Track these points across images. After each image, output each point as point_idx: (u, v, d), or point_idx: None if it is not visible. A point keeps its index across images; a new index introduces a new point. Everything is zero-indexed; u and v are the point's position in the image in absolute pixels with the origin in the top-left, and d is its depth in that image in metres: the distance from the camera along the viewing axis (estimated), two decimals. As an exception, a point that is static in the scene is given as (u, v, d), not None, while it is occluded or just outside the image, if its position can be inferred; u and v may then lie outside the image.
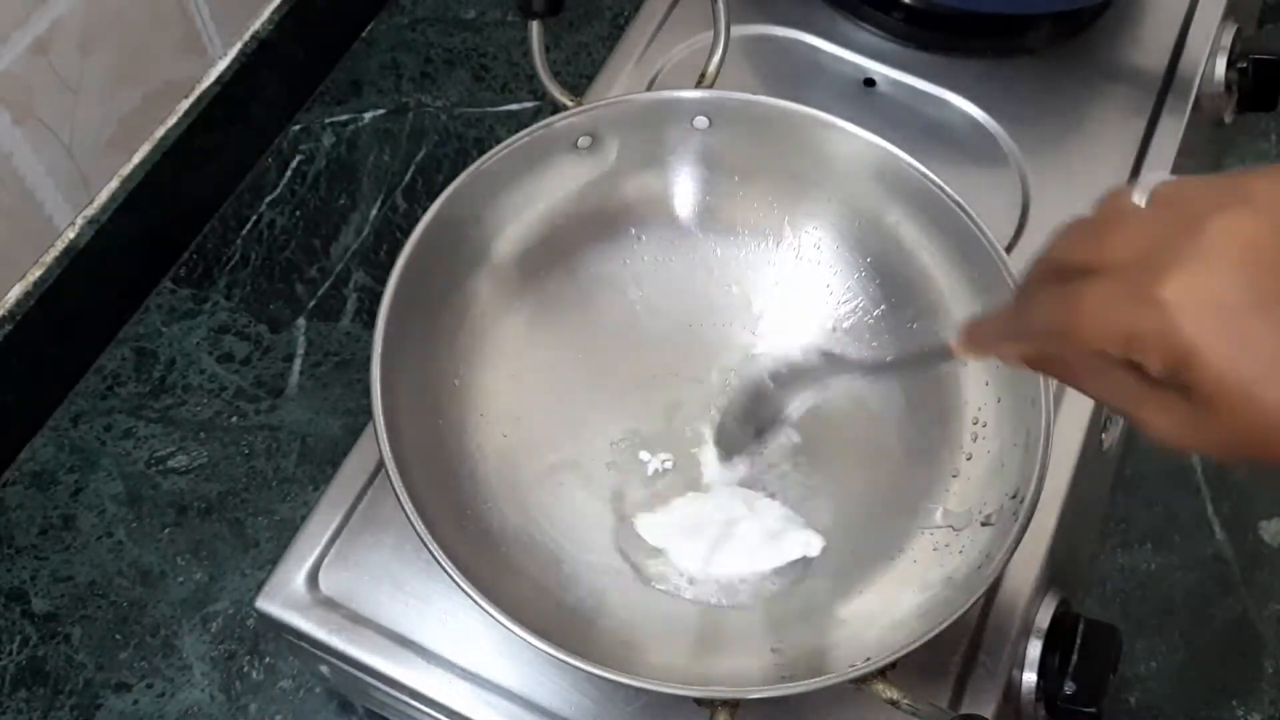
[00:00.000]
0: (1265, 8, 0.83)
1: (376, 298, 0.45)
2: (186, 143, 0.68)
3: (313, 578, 0.50)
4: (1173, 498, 0.67)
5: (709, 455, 0.51)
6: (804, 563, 0.48)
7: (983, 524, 0.45)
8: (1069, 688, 0.48)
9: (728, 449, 0.51)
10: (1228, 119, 0.68)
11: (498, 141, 0.49)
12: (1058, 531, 0.52)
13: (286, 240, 0.72)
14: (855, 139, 0.50)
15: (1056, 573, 0.53)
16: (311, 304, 0.70)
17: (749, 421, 0.49)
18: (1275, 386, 0.29)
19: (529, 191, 0.51)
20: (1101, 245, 0.32)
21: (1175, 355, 0.30)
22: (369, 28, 0.80)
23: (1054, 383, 0.48)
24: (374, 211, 0.73)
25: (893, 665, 0.40)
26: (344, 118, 0.76)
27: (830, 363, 0.47)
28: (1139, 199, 0.33)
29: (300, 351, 0.68)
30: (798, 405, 0.47)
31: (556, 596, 0.46)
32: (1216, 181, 0.32)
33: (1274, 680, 0.63)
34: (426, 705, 0.49)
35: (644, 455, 0.51)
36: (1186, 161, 0.64)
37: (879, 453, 0.51)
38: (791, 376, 0.48)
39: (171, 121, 0.68)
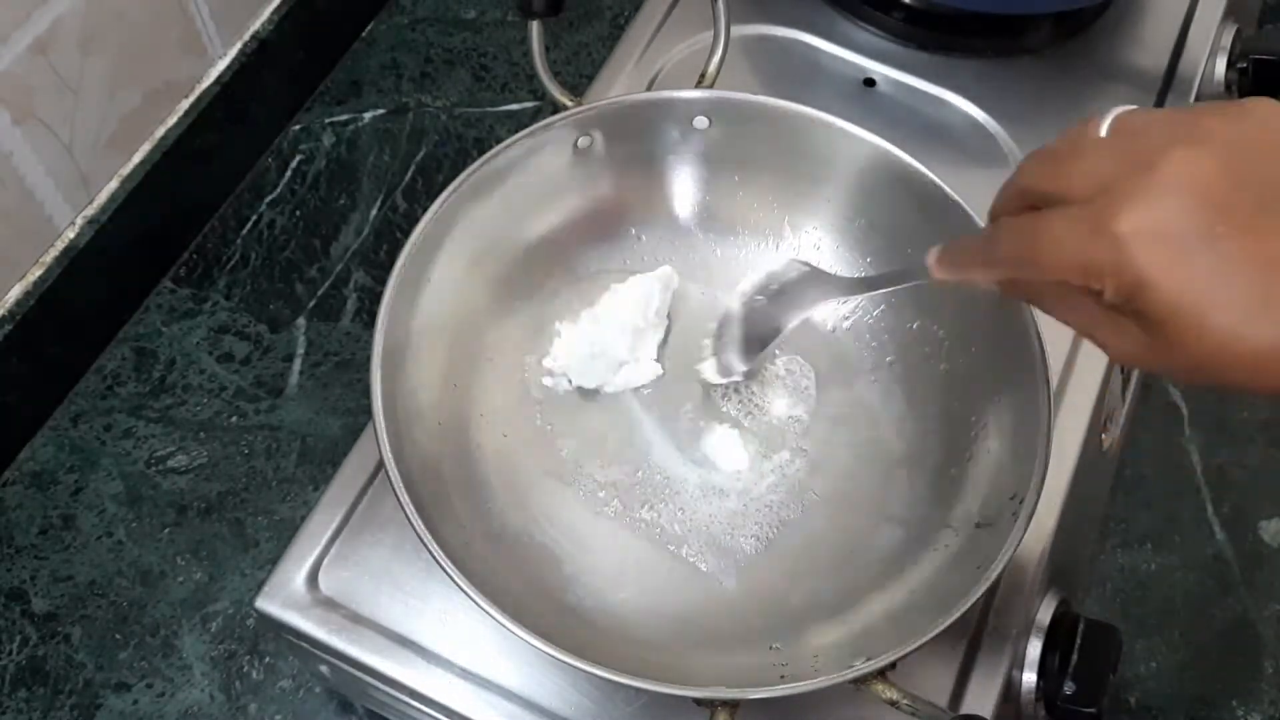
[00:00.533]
0: (1265, 8, 0.83)
1: (376, 298, 0.45)
2: (186, 143, 0.68)
3: (312, 578, 0.50)
4: (1173, 498, 0.67)
5: (711, 444, 0.51)
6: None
7: (982, 524, 0.45)
8: (1069, 688, 0.48)
9: (724, 367, 0.51)
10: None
11: (498, 141, 0.49)
12: (1058, 532, 0.52)
13: (286, 240, 0.72)
14: (855, 139, 0.50)
15: (1056, 573, 0.53)
16: (311, 304, 0.70)
17: (743, 339, 0.50)
18: (1221, 312, 0.31)
19: (528, 192, 0.51)
20: (1063, 175, 0.34)
21: (1129, 285, 0.32)
22: (369, 28, 0.80)
23: (1054, 383, 0.48)
24: (374, 211, 0.73)
25: (892, 665, 0.40)
26: (344, 118, 0.76)
27: (812, 277, 0.49)
28: (1103, 129, 0.34)
29: (300, 351, 0.68)
30: (788, 320, 0.49)
31: (556, 596, 0.46)
32: (1175, 116, 0.34)
33: (1274, 680, 0.63)
34: (426, 705, 0.49)
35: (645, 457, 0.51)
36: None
37: (879, 453, 0.51)
38: (778, 290, 0.50)
39: (171, 121, 0.68)
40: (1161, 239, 0.31)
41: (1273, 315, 0.31)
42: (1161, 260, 0.31)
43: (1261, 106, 0.33)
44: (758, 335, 0.50)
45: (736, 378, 0.51)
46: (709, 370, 0.51)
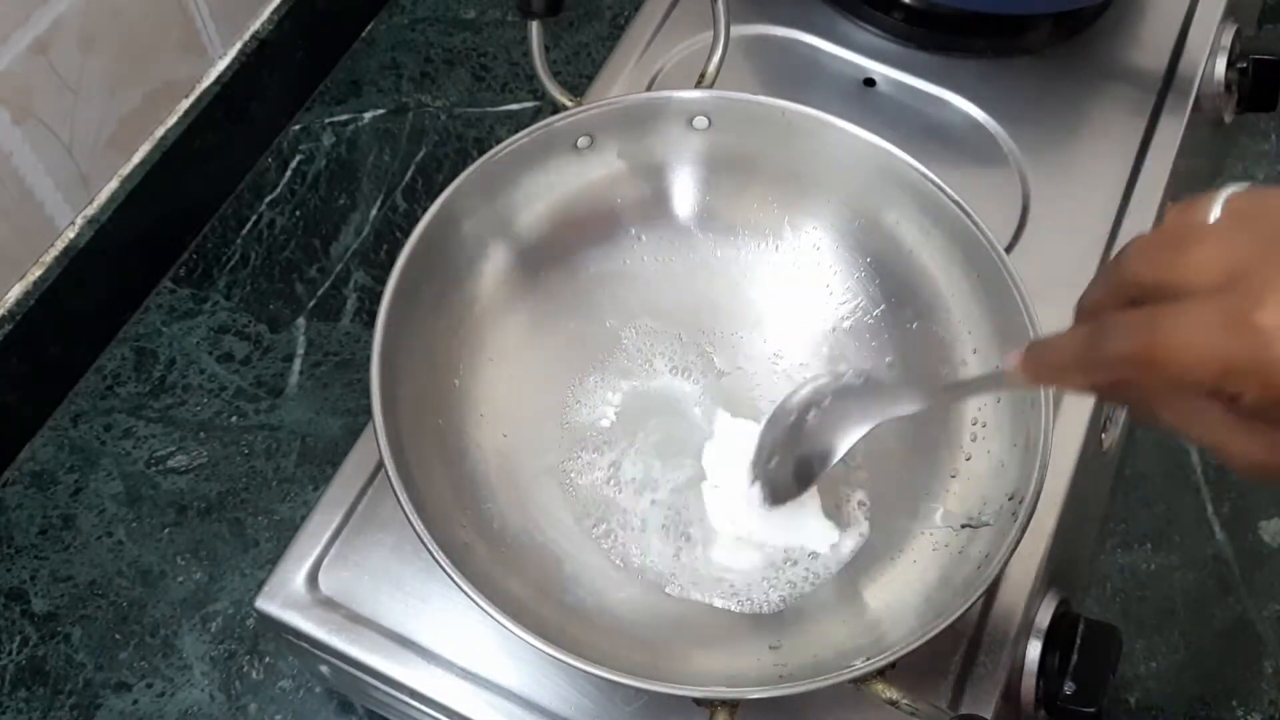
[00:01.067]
0: (1265, 8, 0.83)
1: (376, 297, 0.45)
2: (186, 142, 0.68)
3: (312, 577, 0.50)
4: (1173, 498, 0.67)
5: (708, 458, 0.51)
6: (811, 557, 0.48)
7: (982, 524, 0.45)
8: (1069, 688, 0.48)
9: (774, 494, 0.47)
10: (1228, 119, 0.68)
11: (498, 141, 0.49)
12: (1057, 531, 0.52)
13: (286, 240, 0.72)
14: (855, 139, 0.50)
15: (1056, 573, 0.53)
16: (311, 304, 0.70)
17: (788, 462, 0.46)
18: None
19: (529, 192, 0.51)
20: (1180, 265, 0.31)
21: (1277, 387, 0.28)
22: (369, 28, 0.80)
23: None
24: (374, 211, 0.73)
25: (892, 665, 0.40)
26: (344, 118, 0.76)
27: (873, 389, 0.45)
28: (1214, 211, 0.32)
29: (300, 351, 0.68)
30: (844, 440, 0.44)
31: (556, 596, 0.46)
32: None
33: (1274, 680, 0.63)
34: (426, 705, 0.49)
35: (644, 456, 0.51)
36: (1187, 162, 0.64)
37: (878, 453, 0.51)
38: (833, 404, 0.45)
39: (171, 121, 0.68)
40: None
41: None
42: None
43: None
44: (808, 457, 0.45)
45: (786, 504, 0.47)
46: (752, 498, 0.47)
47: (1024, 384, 0.36)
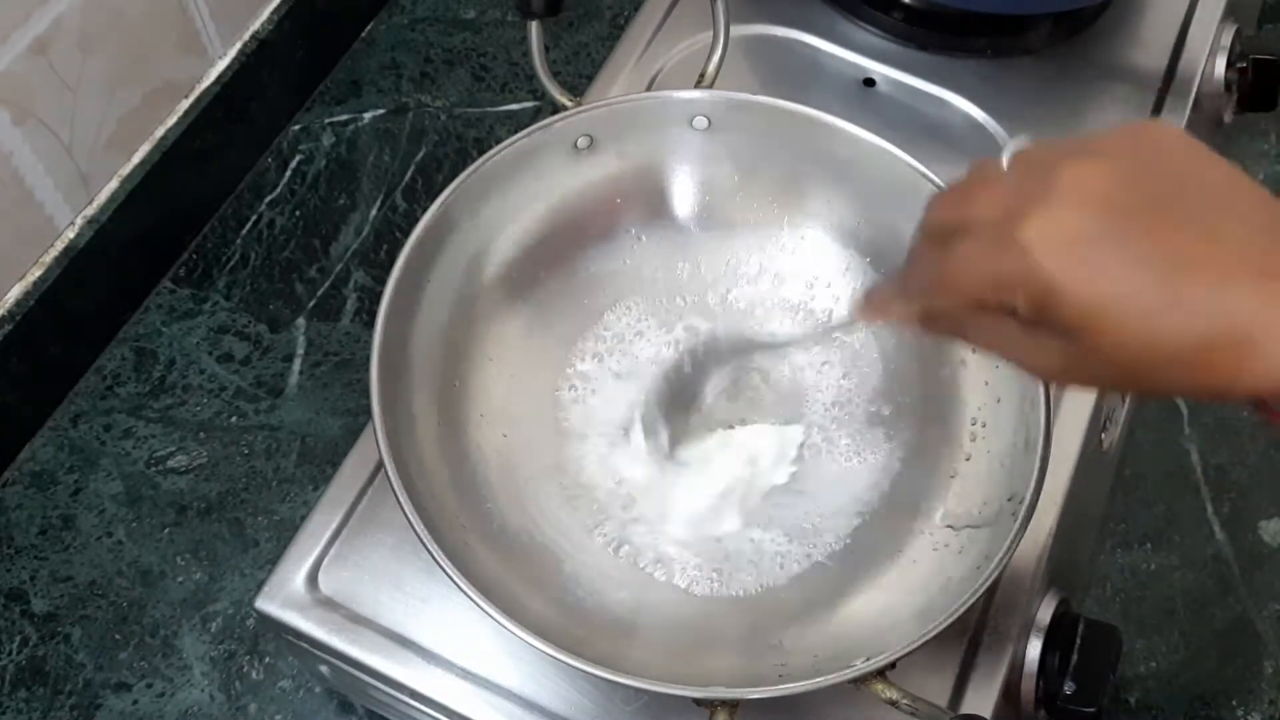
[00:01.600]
0: (1265, 8, 0.83)
1: (376, 298, 0.45)
2: (186, 143, 0.68)
3: (312, 578, 0.50)
4: (1172, 498, 0.67)
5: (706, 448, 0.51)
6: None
7: (982, 524, 0.45)
8: (1069, 687, 0.48)
9: (650, 429, 0.51)
10: (1227, 119, 0.68)
11: (498, 141, 0.49)
12: (1057, 532, 0.52)
13: (286, 240, 0.72)
14: (855, 139, 0.50)
15: (1056, 573, 0.53)
16: (311, 304, 0.70)
17: (674, 402, 0.50)
18: (1132, 312, 0.31)
19: (528, 192, 0.51)
20: (969, 206, 0.35)
21: (1039, 293, 0.32)
22: (369, 28, 0.80)
23: (1054, 384, 0.48)
24: (374, 211, 0.73)
25: (892, 665, 0.40)
26: (344, 118, 0.76)
27: (741, 342, 0.50)
28: (1004, 162, 0.35)
29: (300, 351, 0.68)
30: (714, 383, 0.50)
31: (556, 596, 0.46)
32: (1069, 141, 0.34)
33: (1273, 680, 0.63)
34: (426, 705, 0.49)
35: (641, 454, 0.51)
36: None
37: (877, 453, 0.51)
38: (706, 355, 0.50)
39: (171, 121, 0.68)
40: (1064, 243, 0.32)
41: (1186, 309, 0.31)
42: (1066, 264, 0.31)
43: (1152, 127, 0.34)
44: (687, 397, 0.50)
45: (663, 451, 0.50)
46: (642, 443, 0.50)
47: (862, 320, 0.43)
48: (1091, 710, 0.47)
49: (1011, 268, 0.32)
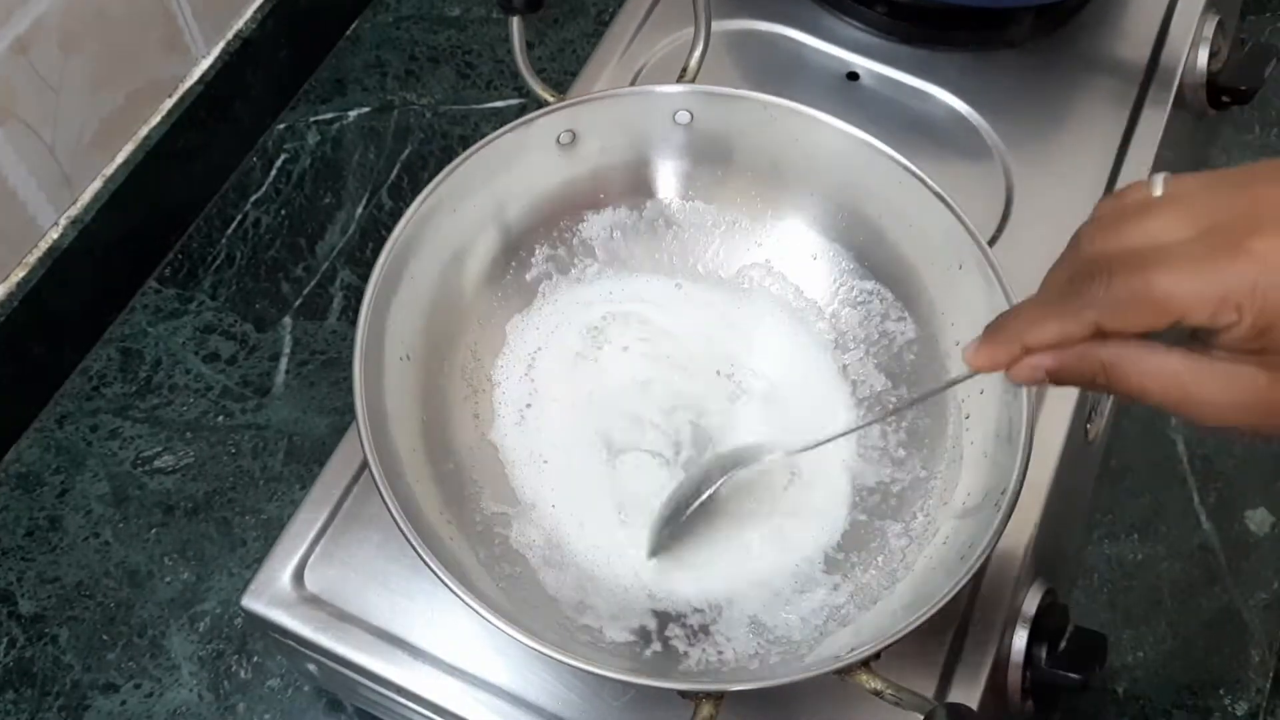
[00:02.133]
0: (1246, 0, 0.84)
1: (362, 296, 0.45)
2: (170, 142, 0.68)
3: (298, 575, 0.50)
4: (1159, 488, 0.67)
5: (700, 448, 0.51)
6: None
7: (966, 516, 0.45)
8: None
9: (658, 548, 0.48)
10: (1211, 111, 0.68)
11: (483, 139, 0.49)
12: (1043, 522, 0.52)
13: (272, 239, 0.72)
14: (838, 133, 0.50)
15: (1042, 563, 0.53)
16: (297, 303, 0.69)
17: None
18: None
19: (511, 188, 0.51)
20: (1146, 228, 0.32)
21: (1274, 307, 0.30)
22: (353, 26, 0.80)
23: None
24: (359, 210, 0.73)
25: (877, 656, 0.40)
26: (329, 116, 0.76)
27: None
28: (1155, 190, 0.33)
29: (286, 350, 0.68)
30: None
31: (543, 593, 0.46)
32: (1223, 171, 0.32)
33: (1260, 669, 0.63)
34: (414, 702, 0.49)
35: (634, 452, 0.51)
36: (1170, 154, 0.64)
37: (863, 448, 0.51)
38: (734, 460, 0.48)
39: (155, 121, 0.68)
40: None
41: None
42: None
43: None
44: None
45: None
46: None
47: (977, 366, 0.36)
48: (1077, 676, 0.48)
49: (1240, 281, 0.30)
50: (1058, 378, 0.35)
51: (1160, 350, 0.32)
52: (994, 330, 0.36)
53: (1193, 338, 0.33)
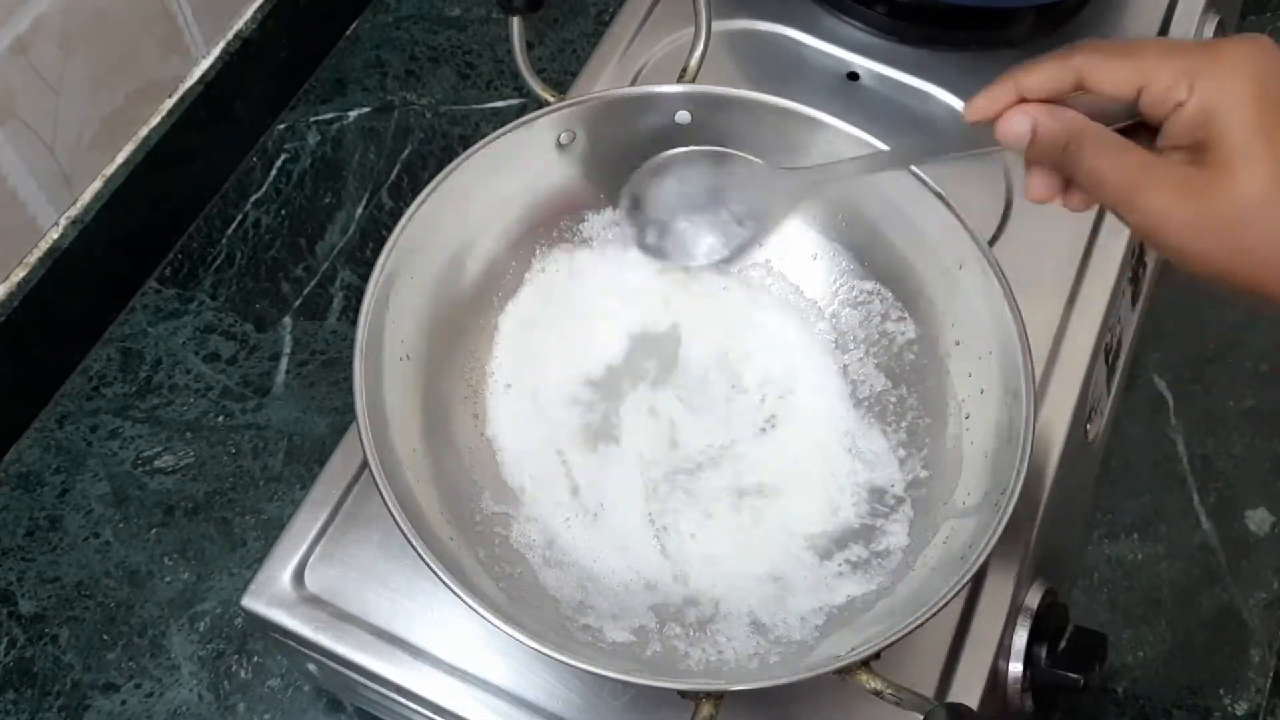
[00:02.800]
0: (1247, 0, 0.84)
1: (362, 296, 0.45)
2: (170, 142, 0.68)
3: (298, 575, 0.50)
4: (1159, 488, 0.68)
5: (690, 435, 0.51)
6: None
7: (966, 516, 0.45)
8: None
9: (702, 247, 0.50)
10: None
11: (483, 139, 0.49)
12: (1043, 522, 0.52)
13: (272, 239, 0.72)
14: (838, 133, 0.50)
15: (1042, 563, 0.53)
16: (298, 303, 0.70)
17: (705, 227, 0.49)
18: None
19: (512, 187, 0.51)
20: (1135, 46, 0.37)
21: (1219, 98, 0.34)
22: (353, 26, 0.80)
23: (1038, 374, 0.48)
24: (360, 210, 0.73)
25: (876, 655, 0.40)
26: (329, 116, 0.76)
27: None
28: None
29: (286, 350, 0.68)
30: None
31: (543, 592, 0.46)
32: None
33: (1260, 669, 0.63)
34: (414, 702, 0.49)
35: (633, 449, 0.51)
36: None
37: (867, 443, 0.51)
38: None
39: (155, 121, 0.68)
40: (1262, 77, 0.34)
41: None
42: (1256, 94, 0.34)
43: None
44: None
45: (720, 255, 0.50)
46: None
47: (981, 109, 0.40)
48: (1075, 676, 0.48)
49: (1202, 64, 0.34)
50: (1035, 143, 0.38)
51: (1125, 143, 0.36)
52: (993, 82, 0.40)
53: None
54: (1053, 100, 0.38)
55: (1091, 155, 0.37)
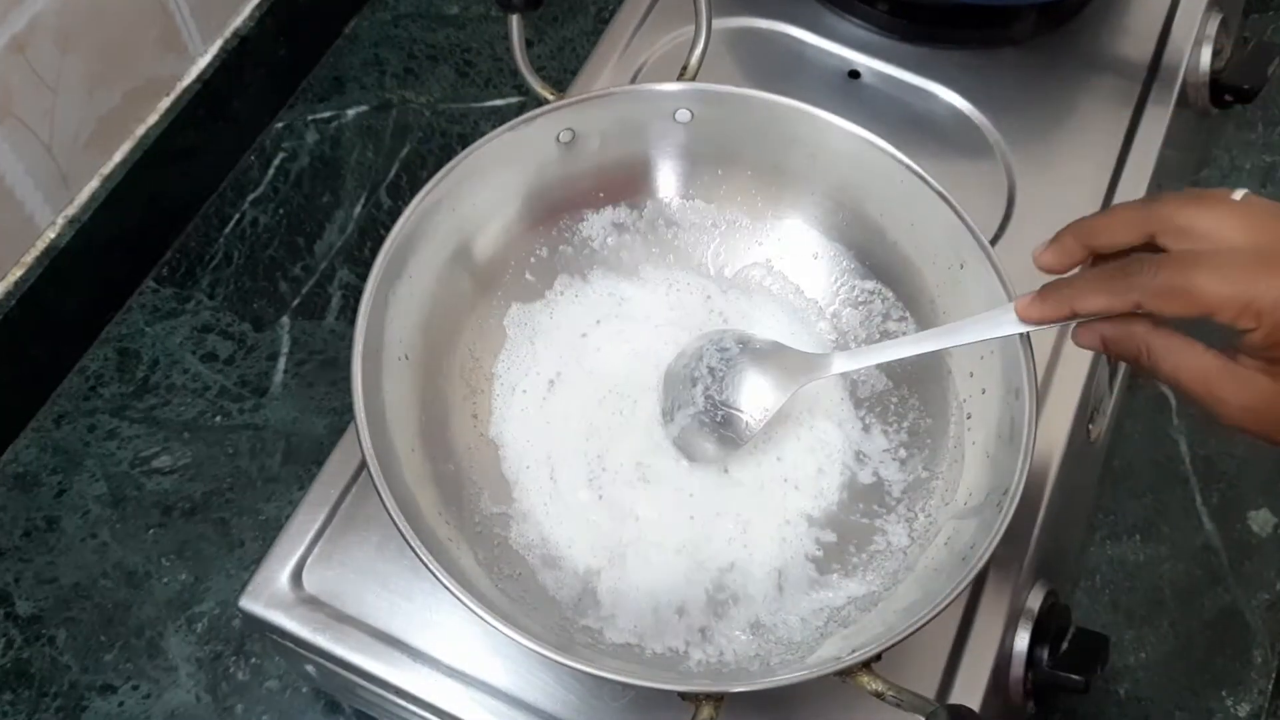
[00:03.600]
0: (1249, -2, 0.83)
1: (361, 296, 0.45)
2: (168, 141, 0.68)
3: (296, 576, 0.50)
4: (1161, 489, 0.67)
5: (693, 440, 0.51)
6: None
7: (968, 515, 0.45)
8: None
9: (691, 453, 0.49)
10: (1214, 110, 0.68)
11: (482, 137, 0.49)
12: (1045, 523, 0.51)
13: (270, 238, 0.71)
14: (839, 131, 0.50)
15: (1044, 564, 0.53)
16: (295, 302, 0.69)
17: (703, 426, 0.48)
18: None
19: (511, 186, 0.51)
20: (1211, 217, 0.37)
21: None
22: (352, 23, 0.79)
23: (1039, 374, 0.48)
24: (358, 209, 0.72)
25: (878, 657, 0.40)
26: (327, 114, 0.76)
27: (786, 353, 0.48)
28: (1235, 195, 0.38)
29: (284, 350, 0.68)
30: (766, 407, 0.47)
31: (542, 593, 0.46)
32: None
33: (1263, 670, 0.62)
34: (412, 703, 0.49)
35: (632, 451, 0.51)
36: (1172, 152, 0.64)
37: (868, 444, 0.51)
38: (743, 368, 0.48)
39: (152, 120, 0.68)
40: None
41: None
42: None
43: None
44: (729, 421, 0.48)
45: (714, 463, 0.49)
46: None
47: (1033, 318, 0.41)
48: (1078, 678, 0.48)
49: (1266, 293, 0.35)
50: (1109, 349, 0.40)
51: (1198, 346, 0.38)
52: (1049, 289, 0.41)
53: (1229, 345, 0.38)
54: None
55: (1167, 363, 0.38)
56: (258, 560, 0.51)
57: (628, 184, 0.54)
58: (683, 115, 0.52)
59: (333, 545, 0.50)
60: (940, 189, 0.48)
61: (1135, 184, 0.61)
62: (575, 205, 0.53)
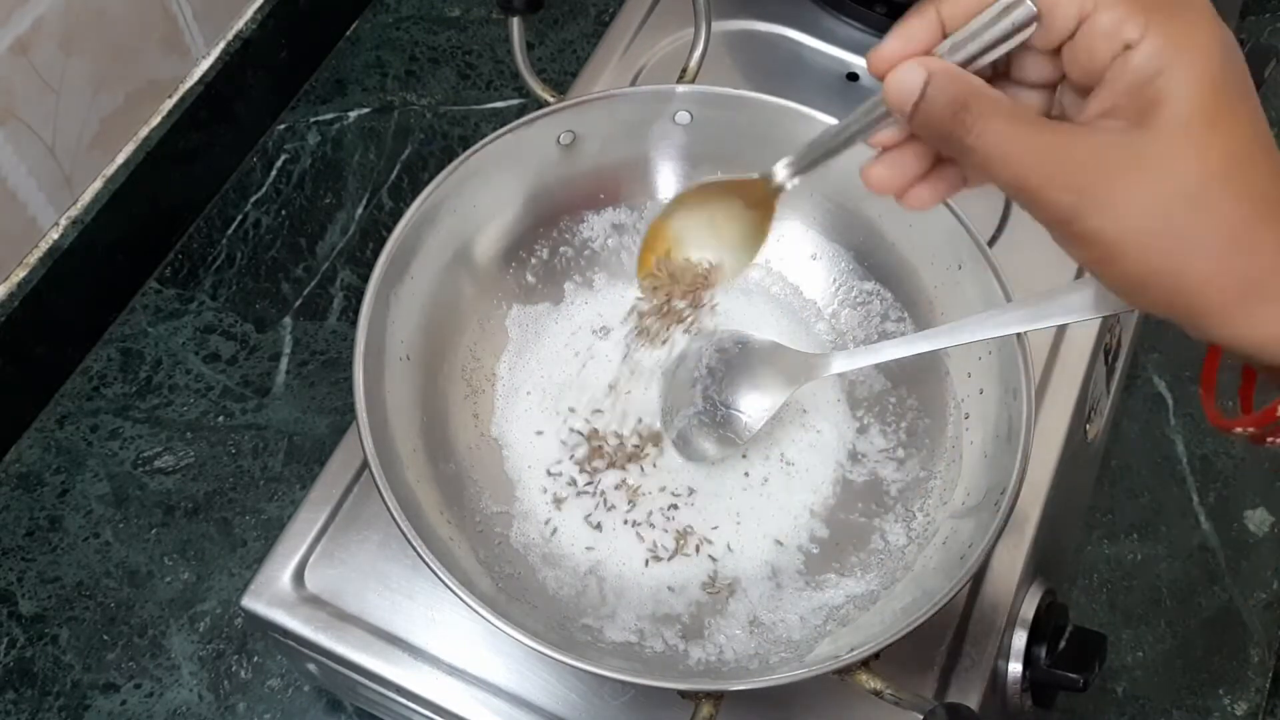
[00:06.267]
0: (1246, 0, 0.84)
1: (363, 296, 0.45)
2: (170, 143, 0.68)
3: (298, 575, 0.50)
4: (1158, 488, 0.68)
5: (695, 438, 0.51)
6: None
7: (966, 515, 0.45)
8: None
9: (691, 453, 0.50)
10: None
11: (483, 139, 0.49)
12: (1042, 522, 0.52)
13: (272, 240, 0.72)
14: (837, 132, 0.50)
15: (1042, 563, 0.53)
16: (298, 303, 0.70)
17: (701, 426, 0.48)
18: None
19: (511, 187, 0.51)
20: None
21: (1177, 47, 0.28)
22: (353, 26, 0.80)
23: (1037, 374, 0.48)
24: (360, 210, 0.73)
25: (876, 655, 0.40)
26: (329, 116, 0.76)
27: (782, 353, 0.48)
28: None
29: (287, 351, 0.68)
30: (764, 409, 0.47)
31: (543, 592, 0.46)
32: None
33: (1260, 669, 0.63)
34: (414, 702, 0.49)
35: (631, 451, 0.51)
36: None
37: (866, 444, 0.51)
38: (741, 368, 0.48)
39: (155, 121, 0.68)
40: (1223, 43, 0.29)
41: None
42: (1218, 52, 0.29)
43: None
44: (727, 420, 0.48)
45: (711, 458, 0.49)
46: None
47: (878, 71, 0.33)
48: (1075, 676, 0.48)
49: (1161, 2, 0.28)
50: (922, 105, 0.31)
51: (1040, 118, 0.30)
52: (909, 14, 0.33)
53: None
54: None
55: (998, 126, 0.30)
56: (260, 559, 0.51)
57: (628, 185, 0.54)
58: (682, 117, 0.52)
59: (334, 544, 0.51)
60: (938, 190, 0.49)
61: (1132, 185, 0.61)
62: (576, 206, 0.54)
